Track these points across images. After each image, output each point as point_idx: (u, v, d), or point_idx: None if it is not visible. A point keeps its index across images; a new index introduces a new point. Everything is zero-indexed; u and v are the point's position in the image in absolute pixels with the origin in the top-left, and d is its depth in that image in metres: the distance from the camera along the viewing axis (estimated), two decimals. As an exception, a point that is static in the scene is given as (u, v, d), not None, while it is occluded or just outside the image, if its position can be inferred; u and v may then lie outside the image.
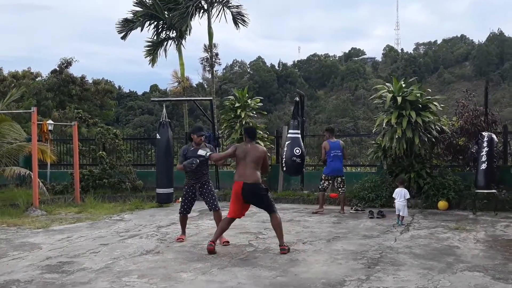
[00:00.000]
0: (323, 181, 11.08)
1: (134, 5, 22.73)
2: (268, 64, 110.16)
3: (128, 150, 15.94)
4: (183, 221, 7.97)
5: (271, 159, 14.50)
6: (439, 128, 11.79)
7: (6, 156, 13.27)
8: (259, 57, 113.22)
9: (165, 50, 23.95)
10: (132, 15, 23.01)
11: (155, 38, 23.59)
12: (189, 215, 10.58)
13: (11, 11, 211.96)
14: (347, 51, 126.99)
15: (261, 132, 13.95)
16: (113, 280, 5.52)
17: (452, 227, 8.72)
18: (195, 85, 57.28)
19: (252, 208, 11.48)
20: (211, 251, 6.75)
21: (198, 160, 7.42)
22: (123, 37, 23.25)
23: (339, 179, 11.01)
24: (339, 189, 11.08)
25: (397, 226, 8.97)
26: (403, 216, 9.17)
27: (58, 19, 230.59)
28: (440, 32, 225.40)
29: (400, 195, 9.24)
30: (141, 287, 5.28)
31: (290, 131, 12.36)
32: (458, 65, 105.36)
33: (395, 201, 9.32)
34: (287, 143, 11.84)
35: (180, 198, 8.03)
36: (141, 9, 22.79)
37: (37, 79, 36.03)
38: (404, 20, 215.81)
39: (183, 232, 7.98)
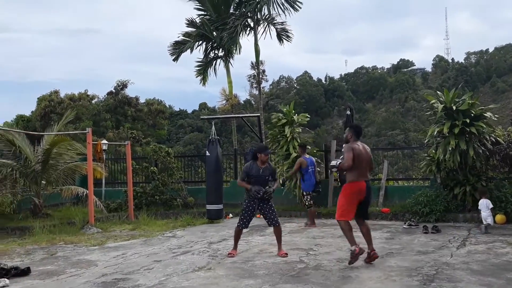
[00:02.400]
0: (305, 197, 11.29)
1: (187, 26, 23.28)
2: (314, 78, 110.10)
3: (179, 168, 16.23)
4: (238, 235, 8.01)
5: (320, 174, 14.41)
6: (493, 139, 11.41)
7: (63, 176, 13.81)
8: (306, 72, 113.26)
9: (214, 69, 24.34)
10: (182, 37, 23.56)
11: (204, 58, 24.03)
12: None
13: (63, 36, 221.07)
14: (395, 63, 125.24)
15: (309, 147, 13.88)
16: (167, 297, 5.60)
17: (511, 241, 8.37)
18: (242, 102, 57.84)
19: (302, 224, 11.47)
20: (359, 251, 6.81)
21: (264, 190, 7.64)
22: (175, 59, 23.79)
23: (315, 194, 11.41)
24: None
25: (496, 233, 9.37)
26: (490, 224, 9.69)
27: (108, 42, 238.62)
28: (492, 40, 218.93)
29: (483, 206, 9.85)
30: (194, 303, 5.33)
31: (343, 145, 12.28)
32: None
33: (481, 212, 9.85)
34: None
35: (242, 211, 7.94)
36: (193, 29, 23.30)
37: (93, 101, 37.40)
38: (453, 29, 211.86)
39: (235, 247, 8.02)
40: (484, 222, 9.67)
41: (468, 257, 7.28)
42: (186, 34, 23.45)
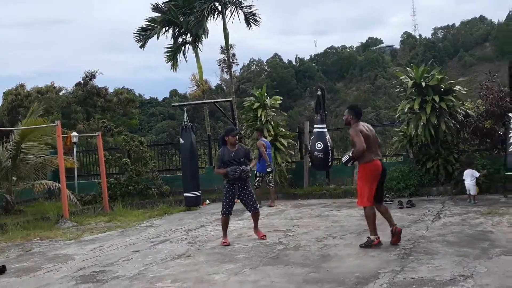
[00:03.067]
0: (258, 178, 11.67)
1: (152, 11, 22.90)
2: (285, 60, 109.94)
3: (153, 156, 16.07)
4: (226, 223, 7.77)
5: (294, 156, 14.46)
6: (463, 113, 11.60)
7: (34, 170, 13.53)
8: (276, 54, 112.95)
9: (183, 55, 24.09)
10: (148, 23, 23.20)
11: (172, 43, 23.74)
12: (217, 217, 10.69)
13: (31, 28, 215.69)
14: (364, 41, 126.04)
15: (283, 130, 13.89)
16: (147, 286, 5.57)
17: (484, 212, 8.56)
18: (213, 87, 57.51)
19: (280, 206, 11.52)
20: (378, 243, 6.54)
21: (241, 168, 7.45)
22: (142, 46, 23.44)
23: (270, 174, 11.86)
24: (269, 184, 11.89)
25: (470, 205, 9.57)
26: (474, 195, 9.81)
27: (76, 32, 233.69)
28: (458, 14, 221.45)
29: (468, 175, 9.99)
30: (175, 291, 5.31)
31: (314, 126, 12.38)
32: (479, 47, 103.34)
33: (465, 182, 10.02)
34: (311, 138, 11.82)
35: (223, 197, 7.76)
36: (159, 15, 22.97)
37: (60, 93, 36.65)
38: (420, 5, 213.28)
39: (225, 235, 7.73)
40: (467, 192, 9.94)
41: (443, 229, 7.41)
42: (152, 20, 23.09)
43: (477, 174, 10.02)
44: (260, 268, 5.95)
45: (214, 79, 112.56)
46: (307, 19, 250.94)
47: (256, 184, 11.62)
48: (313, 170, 13.57)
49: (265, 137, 12.49)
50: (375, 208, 6.68)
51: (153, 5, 22.78)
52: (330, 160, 12.40)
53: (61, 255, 7.83)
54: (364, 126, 6.72)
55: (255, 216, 7.87)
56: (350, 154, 6.64)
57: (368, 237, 6.64)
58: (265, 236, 7.75)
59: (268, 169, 11.54)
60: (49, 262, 7.36)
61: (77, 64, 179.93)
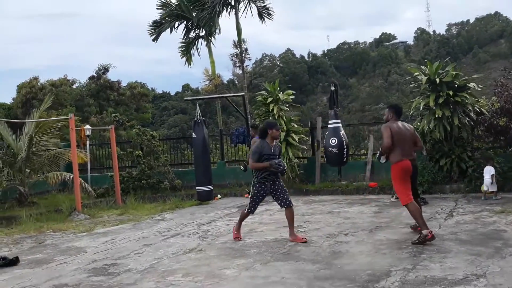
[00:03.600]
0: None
1: (157, 8, 22.97)
2: (297, 55, 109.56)
3: (165, 150, 16.13)
4: (244, 219, 7.68)
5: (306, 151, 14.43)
6: (478, 110, 11.47)
7: (47, 163, 13.64)
8: (288, 49, 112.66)
9: (196, 49, 24.10)
10: (161, 17, 23.23)
11: (184, 38, 23.76)
12: (228, 211, 10.73)
13: (43, 21, 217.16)
14: (377, 37, 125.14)
15: (295, 125, 13.86)
16: (158, 280, 5.59)
17: (497, 210, 8.47)
18: (226, 82, 57.57)
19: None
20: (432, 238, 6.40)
21: (285, 163, 7.17)
22: (154, 39, 23.49)
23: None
24: None
25: (485, 201, 9.70)
26: (492, 191, 9.92)
27: (89, 25, 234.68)
28: (473, 10, 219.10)
29: (487, 172, 10.04)
30: (186, 285, 5.32)
31: (329, 121, 12.38)
32: (493, 43, 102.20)
33: (485, 178, 10.01)
34: (326, 133, 11.81)
35: (250, 196, 7.40)
36: (170, 10, 22.98)
37: (73, 86, 36.87)
38: (434, 1, 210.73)
39: (240, 229, 7.66)
40: (485, 188, 9.94)
41: (456, 227, 7.35)
42: (164, 14, 23.11)
43: (493, 171, 10.00)
44: (271, 264, 5.94)
45: (226, 73, 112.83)
46: (319, 14, 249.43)
47: None
48: (325, 166, 13.55)
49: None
50: (417, 203, 6.73)
51: (160, 1, 22.79)
52: (345, 155, 12.38)
53: (74, 248, 7.89)
54: (400, 124, 6.84)
55: (290, 212, 7.18)
56: (380, 149, 6.87)
57: (421, 233, 6.47)
58: (305, 239, 7.09)
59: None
60: (61, 254, 7.42)
61: (90, 57, 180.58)
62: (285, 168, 7.23)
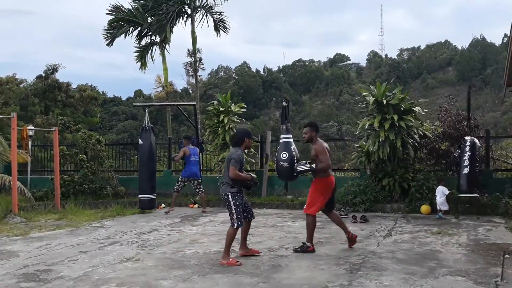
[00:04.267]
0: (179, 182, 12.19)
1: (107, 13, 22.66)
2: (253, 69, 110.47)
3: (111, 156, 15.77)
4: (234, 237, 6.67)
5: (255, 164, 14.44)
6: (421, 133, 11.84)
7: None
8: (245, 62, 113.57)
9: (151, 56, 23.88)
10: (115, 22, 22.89)
11: (138, 43, 23.52)
12: (171, 221, 10.56)
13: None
14: (331, 57, 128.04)
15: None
16: (91, 289, 5.41)
17: (434, 231, 8.72)
18: (180, 90, 57.07)
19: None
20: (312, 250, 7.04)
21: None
22: (109, 44, 23.13)
23: (196, 182, 12.26)
24: (197, 190, 12.34)
25: (440, 218, 10.28)
26: (444, 210, 10.50)
27: (42, 25, 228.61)
28: (424, 37, 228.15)
29: (440, 192, 10.62)
30: (119, 295, 5.17)
31: (281, 136, 12.45)
32: (442, 70, 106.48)
33: (436, 198, 10.65)
34: (278, 148, 11.86)
35: (233, 203, 6.65)
36: (118, 15, 22.70)
37: (21, 85, 35.59)
38: (388, 25, 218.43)
39: (229, 252, 6.66)
40: (438, 207, 10.52)
41: (393, 246, 7.50)
42: (118, 19, 22.79)
43: (447, 192, 10.57)
44: (210, 276, 5.87)
45: (181, 82, 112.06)
46: (277, 30, 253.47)
47: (175, 188, 12.23)
48: (272, 179, 13.61)
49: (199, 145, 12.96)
50: (335, 215, 7.47)
51: (111, 6, 22.51)
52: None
53: (5, 251, 7.55)
54: (322, 142, 7.34)
55: (249, 225, 6.99)
56: (314, 166, 7.06)
57: (304, 243, 7.10)
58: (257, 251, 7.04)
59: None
60: (-9, 258, 7.08)
61: (42, 57, 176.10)
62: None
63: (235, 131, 13.41)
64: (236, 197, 6.62)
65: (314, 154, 7.14)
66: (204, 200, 12.40)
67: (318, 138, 7.32)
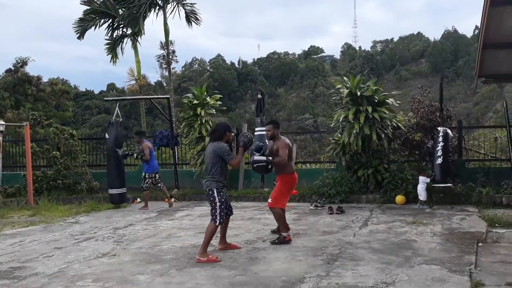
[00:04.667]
0: (147, 179, 11.77)
1: (81, 3, 22.33)
2: (228, 62, 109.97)
3: (84, 151, 15.53)
4: (214, 233, 6.57)
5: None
6: (395, 125, 11.97)
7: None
8: (219, 55, 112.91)
9: (121, 48, 23.58)
10: (86, 14, 22.56)
11: (110, 36, 23.20)
12: (147, 216, 10.49)
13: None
14: (306, 49, 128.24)
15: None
16: (67, 285, 5.33)
17: (409, 221, 8.84)
18: (153, 83, 56.49)
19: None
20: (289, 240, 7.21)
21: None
22: (80, 37, 22.78)
23: (157, 175, 11.91)
24: (159, 184, 11.97)
25: (419, 209, 10.40)
26: (422, 200, 10.65)
27: (14, 17, 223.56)
28: (397, 29, 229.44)
29: (421, 181, 10.76)
30: (95, 291, 5.10)
31: (256, 128, 12.48)
32: (415, 62, 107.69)
33: (418, 187, 10.80)
34: (253, 140, 11.84)
35: (218, 199, 6.48)
36: (92, 7, 22.39)
37: (-11, 79, 34.66)
38: (361, 17, 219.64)
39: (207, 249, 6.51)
40: (419, 197, 10.68)
41: (369, 236, 7.58)
42: (90, 11, 22.45)
43: (427, 180, 10.69)
44: (187, 270, 5.84)
45: (155, 75, 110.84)
46: (251, 23, 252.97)
47: (145, 186, 11.73)
48: (248, 172, 13.59)
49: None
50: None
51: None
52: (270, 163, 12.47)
53: (-23, 249, 7.40)
54: (286, 139, 7.50)
55: (228, 220, 6.94)
56: (271, 159, 7.29)
57: (281, 234, 7.24)
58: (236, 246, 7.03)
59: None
60: (-38, 256, 6.92)
61: (12, 51, 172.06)
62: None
63: (213, 125, 13.36)
64: (222, 193, 6.50)
65: (276, 148, 7.33)
66: (166, 191, 12.10)
67: (280, 135, 7.53)
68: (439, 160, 10.64)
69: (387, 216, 9.59)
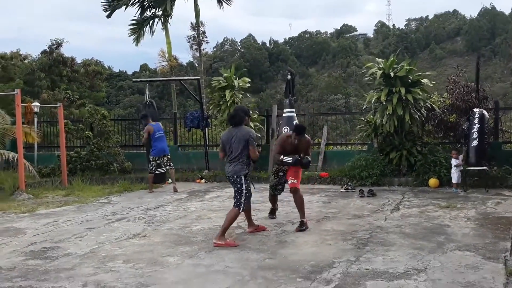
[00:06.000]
0: (152, 162, 11.48)
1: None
2: (259, 41, 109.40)
3: (117, 131, 15.72)
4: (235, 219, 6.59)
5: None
6: (429, 106, 11.67)
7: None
8: (250, 35, 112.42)
9: (151, 29, 23.58)
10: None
11: (140, 16, 23.21)
12: (178, 197, 10.57)
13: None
14: (338, 28, 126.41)
15: (251, 112, 13.75)
16: (98, 266, 5.41)
17: (442, 205, 8.64)
18: (185, 64, 56.74)
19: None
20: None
21: None
22: (108, 16, 22.87)
23: (165, 158, 11.52)
24: (167, 167, 11.58)
25: (453, 192, 10.16)
26: (456, 183, 10.37)
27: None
28: (432, 7, 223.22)
29: (453, 164, 10.47)
30: (126, 272, 5.16)
31: (284, 110, 12.40)
32: (450, 41, 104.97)
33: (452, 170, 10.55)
34: (280, 122, 11.77)
35: (245, 187, 6.43)
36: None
37: (25, 61, 35.40)
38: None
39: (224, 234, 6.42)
40: (452, 180, 10.44)
41: (401, 220, 7.44)
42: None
43: (456, 162, 10.43)
44: (216, 252, 5.85)
45: (186, 56, 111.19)
46: (283, 2, 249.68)
47: (150, 169, 11.51)
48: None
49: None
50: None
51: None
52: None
53: (13, 229, 7.59)
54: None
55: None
56: (304, 161, 7.01)
57: (302, 220, 7.02)
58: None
59: None
60: (-1, 235, 7.11)
61: (44, 32, 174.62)
62: None
63: (232, 110, 13.30)
64: (248, 181, 6.46)
65: (306, 147, 7.08)
66: (173, 175, 11.73)
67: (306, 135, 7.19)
68: (475, 143, 10.34)
69: (420, 199, 9.40)
